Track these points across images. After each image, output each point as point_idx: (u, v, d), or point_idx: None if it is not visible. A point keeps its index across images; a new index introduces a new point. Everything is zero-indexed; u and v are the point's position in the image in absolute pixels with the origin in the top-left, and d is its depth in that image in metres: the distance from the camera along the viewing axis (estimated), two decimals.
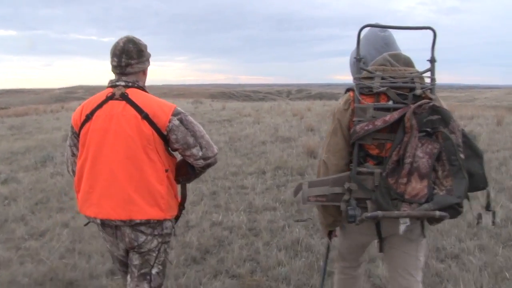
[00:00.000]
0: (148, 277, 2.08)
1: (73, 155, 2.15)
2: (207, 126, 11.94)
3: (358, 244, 2.19)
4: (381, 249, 2.03)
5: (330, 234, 2.17)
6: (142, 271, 2.07)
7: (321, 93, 79.95)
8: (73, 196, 5.48)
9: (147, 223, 2.00)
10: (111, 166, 1.97)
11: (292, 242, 3.92)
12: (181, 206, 2.22)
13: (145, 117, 1.96)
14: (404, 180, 1.70)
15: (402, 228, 1.81)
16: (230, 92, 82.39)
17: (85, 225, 2.27)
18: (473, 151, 1.77)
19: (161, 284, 2.15)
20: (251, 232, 4.27)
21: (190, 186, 5.72)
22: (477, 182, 1.78)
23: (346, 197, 1.83)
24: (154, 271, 2.09)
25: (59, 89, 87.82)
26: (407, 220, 1.72)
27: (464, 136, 1.76)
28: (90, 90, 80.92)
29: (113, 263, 2.32)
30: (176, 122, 2.00)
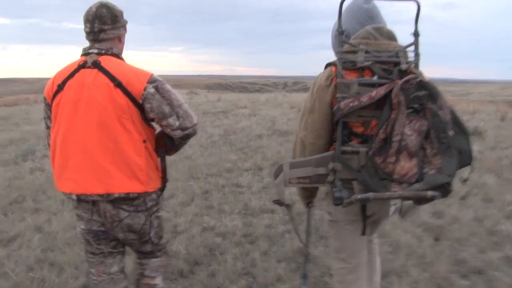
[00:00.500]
0: (149, 241, 2.11)
1: (48, 127, 2.06)
2: (201, 118, 11.43)
3: (347, 231, 1.99)
4: (363, 232, 1.94)
5: (308, 204, 2.15)
6: (142, 240, 2.09)
7: None
8: (50, 195, 5.01)
9: (127, 197, 1.92)
10: (84, 138, 1.88)
11: (293, 252, 3.45)
12: (163, 178, 2.11)
13: (118, 85, 1.86)
14: (393, 159, 1.63)
15: (392, 209, 1.81)
16: (227, 84, 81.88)
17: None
18: (460, 128, 1.71)
19: (162, 236, 2.20)
20: (246, 239, 3.79)
21: (180, 184, 5.27)
22: (465, 159, 1.72)
23: (330, 178, 1.76)
24: (152, 234, 2.10)
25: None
26: (398, 201, 1.74)
27: (452, 112, 1.69)
28: None
29: (84, 246, 2.14)
30: (152, 90, 1.90)
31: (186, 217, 4.25)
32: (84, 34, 1.98)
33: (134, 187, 1.92)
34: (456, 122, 1.71)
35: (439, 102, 1.65)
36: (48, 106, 2.01)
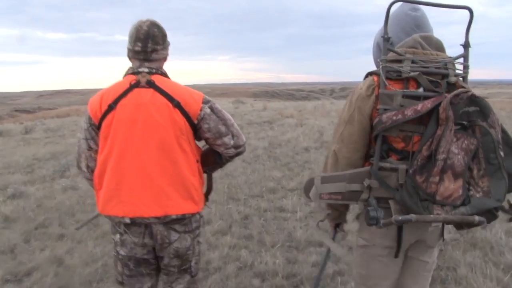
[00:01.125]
0: (188, 270, 2.05)
1: (90, 149, 1.97)
2: (246, 128, 10.96)
3: (379, 257, 1.79)
4: (396, 255, 1.75)
5: (336, 227, 2.00)
6: (182, 267, 2.03)
7: None
8: (78, 218, 4.63)
9: (182, 218, 1.92)
10: (141, 159, 1.85)
11: None
12: (206, 197, 2.11)
13: (177, 105, 1.86)
14: (436, 178, 1.51)
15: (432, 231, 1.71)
16: (273, 91, 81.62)
17: (77, 229, 2.24)
18: (511, 149, 1.59)
19: (198, 271, 2.14)
20: (289, 281, 3.18)
21: (218, 208, 4.74)
22: None
23: (364, 195, 1.66)
24: (193, 262, 2.05)
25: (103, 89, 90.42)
26: (440, 225, 1.69)
27: (503, 131, 1.60)
28: None
29: (120, 269, 2.02)
30: (208, 110, 1.91)
31: (221, 250, 3.68)
32: (129, 52, 1.93)
33: (189, 208, 1.91)
34: (507, 142, 1.60)
35: (491, 119, 1.55)
36: (94, 127, 1.93)
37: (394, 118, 1.54)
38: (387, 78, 1.62)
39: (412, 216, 1.47)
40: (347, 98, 1.76)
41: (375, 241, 1.75)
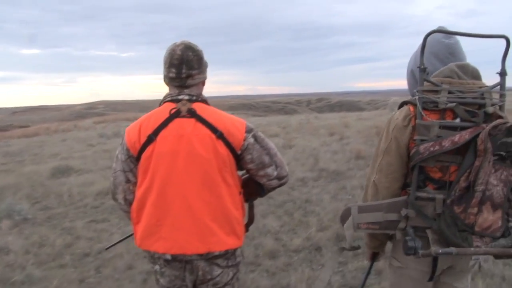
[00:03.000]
0: None
1: (128, 181, 1.88)
2: None
3: (414, 281, 1.77)
4: (431, 278, 1.73)
5: (374, 257, 1.96)
6: None
7: (341, 101, 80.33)
8: None
9: (225, 254, 1.84)
10: (184, 193, 1.78)
11: None
12: (246, 228, 2.00)
13: (220, 136, 1.79)
14: (475, 210, 1.52)
15: (471, 263, 1.75)
16: (250, 103, 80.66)
17: (107, 248, 2.13)
18: None
19: None
20: None
21: None
22: None
23: (402, 225, 1.65)
24: None
25: (80, 105, 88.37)
26: (479, 256, 1.70)
27: None
28: (111, 105, 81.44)
29: None
30: (251, 140, 1.85)
31: None
32: (165, 78, 1.87)
33: (232, 243, 1.84)
34: None
35: None
36: (133, 159, 1.85)
37: (432, 149, 1.55)
38: (423, 108, 1.62)
39: (453, 249, 1.47)
40: (384, 128, 1.75)
41: (409, 264, 1.75)
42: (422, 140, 1.60)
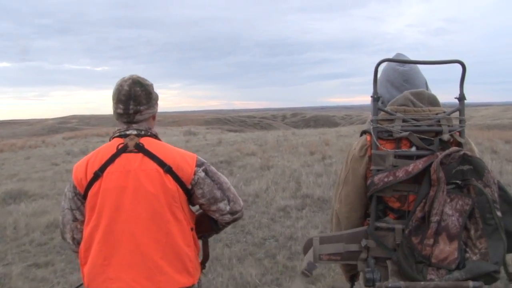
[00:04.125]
0: None
1: (75, 220, 1.82)
2: None
3: None
4: None
5: (352, 278, 1.91)
6: None
7: (316, 116, 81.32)
8: None
9: None
10: (132, 231, 1.71)
11: None
12: (202, 265, 1.98)
13: (168, 170, 1.73)
14: (431, 241, 1.49)
15: None
16: (225, 118, 79.95)
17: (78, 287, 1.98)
18: (510, 206, 1.55)
19: None
20: None
21: None
22: None
23: (363, 255, 1.65)
24: None
25: (52, 119, 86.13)
26: None
27: (501, 189, 1.55)
28: (84, 120, 79.73)
29: None
30: (202, 174, 1.78)
31: None
32: (114, 114, 1.83)
33: (184, 281, 1.75)
34: (505, 199, 1.55)
35: (485, 177, 1.51)
36: (79, 196, 1.79)
37: (386, 180, 1.55)
38: (379, 138, 1.62)
39: (402, 284, 1.47)
40: (345, 157, 1.76)
41: None
42: (378, 170, 1.60)
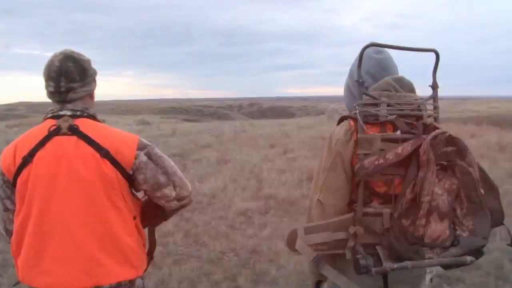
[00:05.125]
0: None
1: (7, 209, 1.72)
2: None
3: None
4: None
5: (317, 285, 1.82)
6: None
7: (273, 107, 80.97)
8: None
9: (118, 286, 1.63)
10: (65, 221, 1.60)
11: None
12: (150, 256, 1.84)
13: (106, 154, 1.61)
14: (423, 221, 1.49)
15: (428, 278, 1.76)
16: (181, 107, 78.23)
17: (14, 285, 1.82)
18: (489, 185, 1.61)
19: None
20: None
21: None
22: (496, 218, 1.61)
23: (351, 243, 1.60)
24: None
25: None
26: (433, 269, 1.71)
27: (480, 169, 1.60)
28: (33, 107, 75.39)
29: None
30: (144, 158, 1.65)
31: None
32: (46, 94, 1.69)
33: (126, 274, 1.63)
34: (485, 179, 1.60)
35: (468, 158, 1.55)
36: (8, 184, 1.68)
37: (377, 162, 1.53)
38: (364, 122, 1.61)
39: (408, 263, 1.47)
40: (325, 146, 1.73)
41: (360, 282, 1.64)
42: (366, 155, 1.57)
